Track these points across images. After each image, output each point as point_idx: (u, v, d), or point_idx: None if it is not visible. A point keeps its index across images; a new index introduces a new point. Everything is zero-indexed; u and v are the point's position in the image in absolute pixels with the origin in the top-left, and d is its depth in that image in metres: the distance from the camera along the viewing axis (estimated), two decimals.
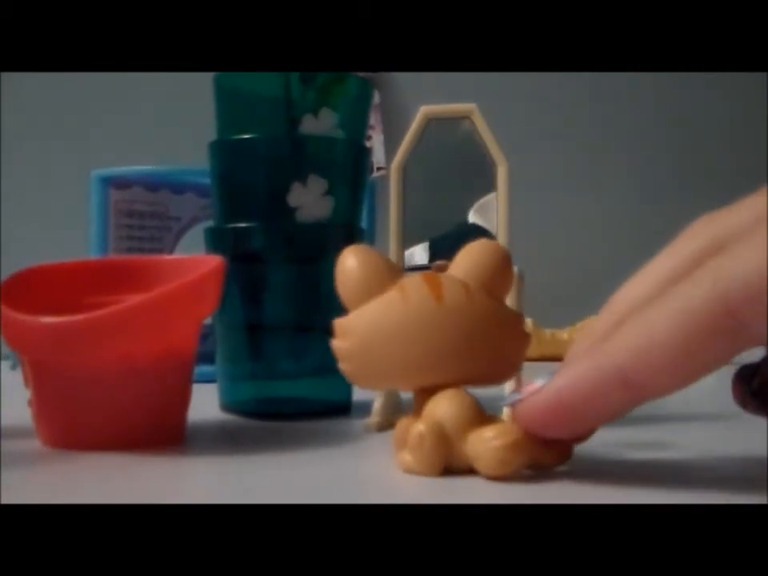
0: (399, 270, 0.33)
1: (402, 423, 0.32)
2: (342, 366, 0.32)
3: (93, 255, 0.62)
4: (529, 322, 0.80)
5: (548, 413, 0.28)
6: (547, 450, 0.29)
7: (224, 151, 0.43)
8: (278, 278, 0.43)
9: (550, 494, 0.28)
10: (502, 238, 0.40)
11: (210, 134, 0.45)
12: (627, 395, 0.27)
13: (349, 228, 0.44)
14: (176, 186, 0.66)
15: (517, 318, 0.33)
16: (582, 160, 1.09)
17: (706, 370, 0.26)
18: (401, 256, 0.41)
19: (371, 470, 0.32)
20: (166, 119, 0.98)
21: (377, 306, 0.31)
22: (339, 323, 0.32)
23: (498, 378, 0.33)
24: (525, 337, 0.33)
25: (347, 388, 0.44)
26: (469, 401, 0.30)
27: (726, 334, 0.25)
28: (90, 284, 0.40)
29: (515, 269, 0.39)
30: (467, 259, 0.32)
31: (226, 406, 0.44)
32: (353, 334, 0.31)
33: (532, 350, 0.85)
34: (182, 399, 0.37)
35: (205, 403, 0.43)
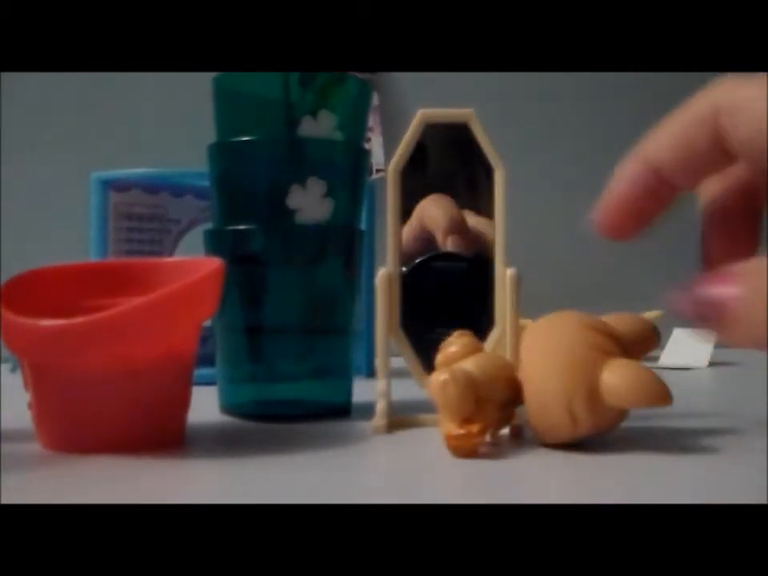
0: None
1: None
2: None
3: (92, 258, 0.62)
4: (529, 322, 0.80)
5: None
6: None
7: (223, 153, 0.43)
8: (278, 280, 0.43)
9: (551, 493, 0.28)
10: (499, 241, 0.40)
11: (209, 136, 0.45)
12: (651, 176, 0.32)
13: (348, 230, 0.44)
14: (175, 188, 0.66)
15: None
16: (581, 162, 1.09)
17: (695, 153, 0.31)
18: (398, 258, 0.41)
19: (371, 471, 0.32)
20: (165, 121, 0.98)
21: None
22: None
23: None
24: None
25: (347, 390, 0.44)
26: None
27: (708, 125, 0.30)
28: (89, 287, 0.40)
29: (512, 271, 0.40)
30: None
31: (226, 409, 0.44)
32: None
33: None
34: (182, 401, 0.37)
35: (205, 405, 0.43)
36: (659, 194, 0.33)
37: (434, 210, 0.52)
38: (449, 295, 0.45)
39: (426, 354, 0.43)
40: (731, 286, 0.27)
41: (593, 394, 0.33)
